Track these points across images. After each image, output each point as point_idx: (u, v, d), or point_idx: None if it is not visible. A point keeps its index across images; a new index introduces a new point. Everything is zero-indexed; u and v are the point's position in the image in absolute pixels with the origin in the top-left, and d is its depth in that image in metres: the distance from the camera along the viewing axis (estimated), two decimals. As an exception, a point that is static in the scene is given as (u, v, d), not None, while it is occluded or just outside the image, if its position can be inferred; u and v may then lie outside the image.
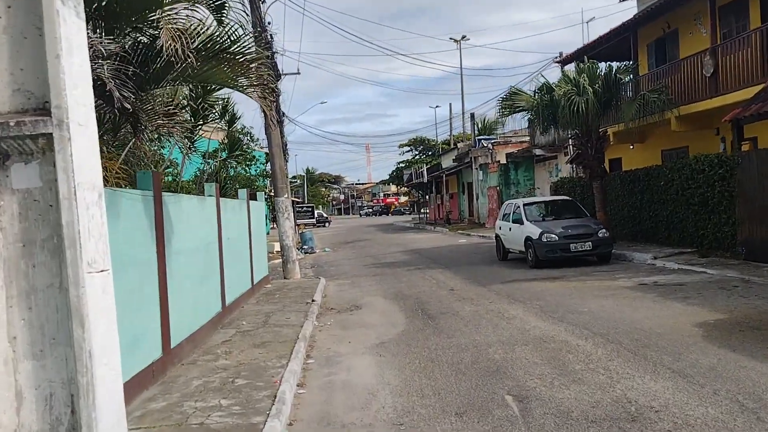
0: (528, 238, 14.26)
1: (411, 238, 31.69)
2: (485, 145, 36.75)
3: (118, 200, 5.54)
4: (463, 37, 52.74)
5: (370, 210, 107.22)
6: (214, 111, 12.44)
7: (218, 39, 5.67)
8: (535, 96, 16.00)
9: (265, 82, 5.89)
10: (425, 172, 44.13)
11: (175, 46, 5.01)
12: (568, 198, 16.84)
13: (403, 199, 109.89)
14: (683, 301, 8.89)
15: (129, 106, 4.45)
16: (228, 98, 13.40)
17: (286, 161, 30.71)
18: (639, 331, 7.15)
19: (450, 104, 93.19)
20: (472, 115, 37.89)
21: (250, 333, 8.64)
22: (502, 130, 35.14)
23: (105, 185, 6.22)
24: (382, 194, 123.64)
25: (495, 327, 8.13)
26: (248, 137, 28.38)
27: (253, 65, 5.88)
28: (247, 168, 28.36)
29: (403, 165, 74.81)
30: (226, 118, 13.49)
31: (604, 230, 13.99)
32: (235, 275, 10.68)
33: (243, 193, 12.74)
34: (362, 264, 19.09)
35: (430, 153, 68.63)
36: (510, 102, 16.71)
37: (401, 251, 22.70)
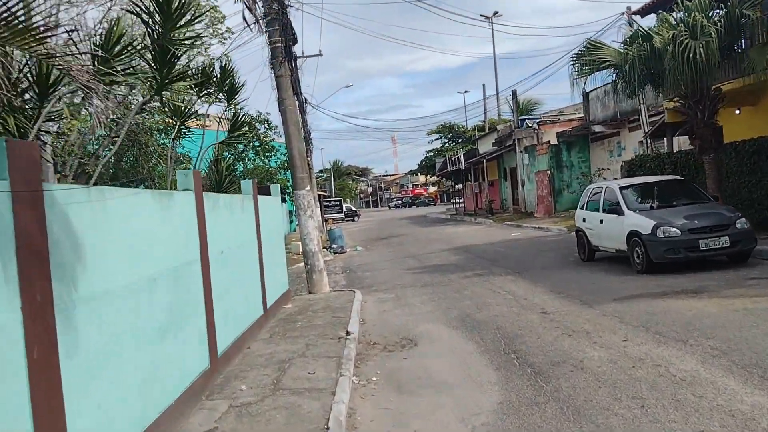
0: (633, 233, 10.51)
1: (452, 231, 28.08)
2: (530, 125, 32.85)
3: None
4: (495, 13, 48.76)
5: (399, 202, 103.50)
6: (209, 78, 9.02)
7: None
8: (631, 46, 12.12)
9: None
10: (462, 158, 40.29)
11: None
12: (679, 177, 12.84)
13: (432, 189, 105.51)
14: None
15: None
16: (227, 62, 9.99)
17: (310, 152, 27.40)
18: None
19: (483, 85, 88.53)
20: (514, 93, 33.96)
21: (249, 410, 5.27)
22: (547, 107, 31.25)
23: None
24: (411, 185, 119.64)
25: (678, 405, 4.53)
26: (266, 124, 25.15)
27: None
28: (265, 160, 25.05)
29: (432, 153, 70.80)
30: (225, 87, 9.99)
31: (743, 220, 10.12)
32: (234, 305, 7.30)
33: (247, 185, 9.31)
34: (403, 267, 15.60)
35: (460, 140, 64.62)
36: (589, 57, 12.93)
37: (447, 249, 19.13)
